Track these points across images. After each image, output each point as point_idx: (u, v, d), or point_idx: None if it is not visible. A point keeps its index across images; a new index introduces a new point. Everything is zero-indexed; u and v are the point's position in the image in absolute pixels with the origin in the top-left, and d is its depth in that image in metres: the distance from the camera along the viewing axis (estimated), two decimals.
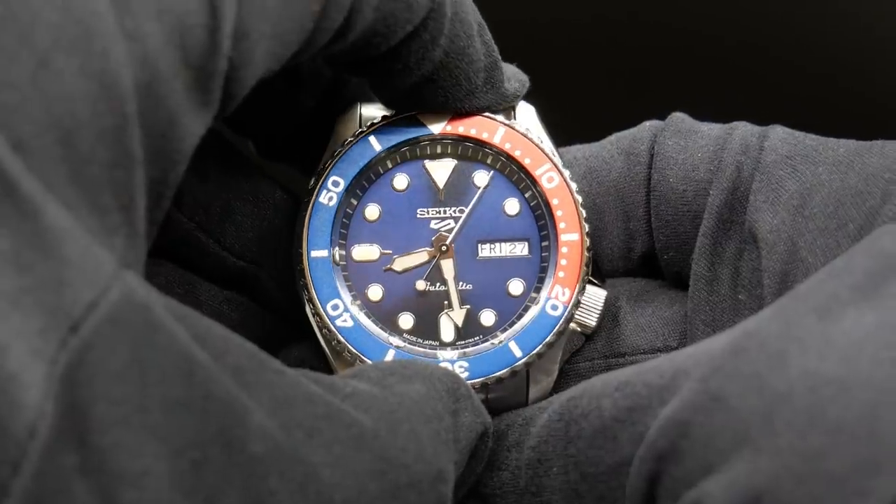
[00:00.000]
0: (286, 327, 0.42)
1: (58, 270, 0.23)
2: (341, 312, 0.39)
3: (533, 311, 0.39)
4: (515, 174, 0.39)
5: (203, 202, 0.38)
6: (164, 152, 0.26)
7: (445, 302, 0.40)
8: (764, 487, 0.26)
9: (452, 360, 0.39)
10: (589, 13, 0.61)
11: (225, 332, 0.27)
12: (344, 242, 0.39)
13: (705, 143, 0.39)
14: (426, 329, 0.40)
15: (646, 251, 0.41)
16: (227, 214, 0.39)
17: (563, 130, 0.41)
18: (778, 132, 0.39)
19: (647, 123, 0.41)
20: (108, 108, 0.24)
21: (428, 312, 0.40)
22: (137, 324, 0.24)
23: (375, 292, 0.39)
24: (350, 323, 0.39)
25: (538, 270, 0.40)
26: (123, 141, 0.24)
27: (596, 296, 0.40)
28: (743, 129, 0.39)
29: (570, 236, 0.39)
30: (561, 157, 0.41)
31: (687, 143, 0.39)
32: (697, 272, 0.39)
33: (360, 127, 0.39)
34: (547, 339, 0.39)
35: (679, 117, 0.41)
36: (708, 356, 0.29)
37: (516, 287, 0.40)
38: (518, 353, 0.39)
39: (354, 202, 0.39)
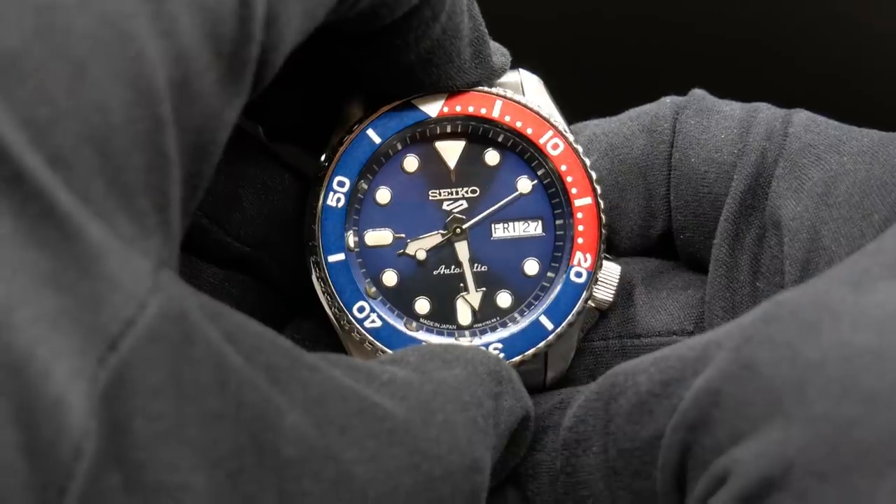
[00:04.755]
0: (287, 303, 0.41)
1: (96, 289, 0.23)
2: (368, 314, 0.38)
3: (557, 284, 0.39)
4: (527, 151, 0.39)
5: (210, 189, 0.38)
6: (198, 146, 0.26)
7: (461, 284, 0.39)
8: (795, 455, 0.25)
9: (486, 345, 0.39)
10: (604, 4, 0.60)
11: (259, 328, 0.27)
12: (356, 228, 0.39)
13: (728, 124, 0.39)
14: (443, 313, 0.39)
15: (665, 230, 0.41)
16: (234, 201, 0.39)
17: (576, 106, 0.41)
18: (801, 117, 0.38)
19: (668, 99, 0.41)
20: (143, 112, 0.24)
21: (444, 296, 0.39)
22: (174, 337, 0.24)
23: (390, 277, 0.39)
24: (378, 323, 0.38)
25: (553, 249, 0.40)
26: (158, 143, 0.24)
27: (611, 270, 0.39)
28: (767, 113, 0.39)
29: (584, 200, 0.39)
30: (579, 133, 0.40)
31: (709, 122, 0.39)
32: (718, 257, 0.38)
33: (365, 107, 0.39)
34: (576, 308, 0.39)
35: (700, 94, 0.41)
36: (740, 328, 0.29)
37: (531, 267, 0.39)
38: (549, 325, 0.39)
39: (365, 186, 0.39)
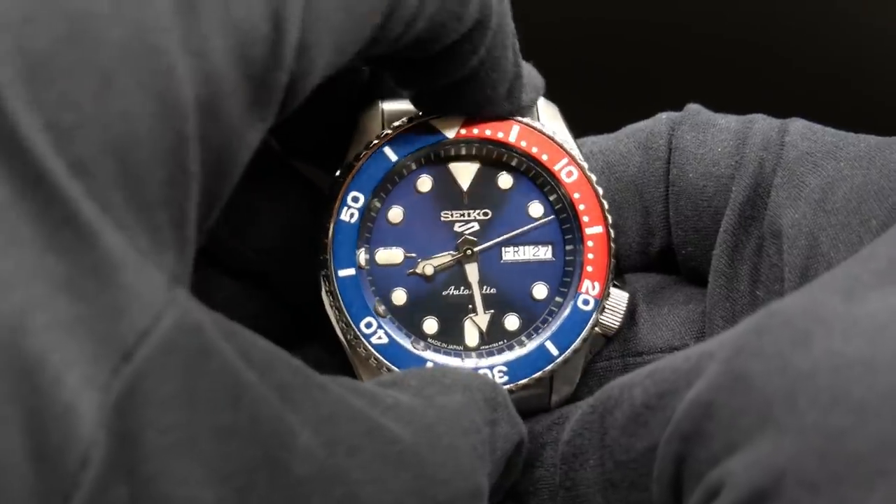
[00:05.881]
0: (295, 320, 0.42)
1: (112, 298, 0.23)
2: (375, 329, 0.39)
3: (565, 310, 0.39)
4: (540, 176, 0.40)
5: (228, 198, 0.39)
6: (219, 166, 0.26)
7: (469, 306, 0.40)
8: (786, 466, 0.25)
9: (492, 367, 0.39)
10: (599, 10, 0.61)
11: (271, 347, 0.27)
12: (368, 246, 0.39)
13: (724, 137, 0.39)
14: (451, 333, 0.40)
15: (663, 246, 0.41)
16: (251, 212, 0.39)
17: (575, 124, 0.41)
18: (798, 126, 0.39)
19: (663, 115, 0.41)
20: (168, 127, 0.24)
21: (452, 317, 0.40)
22: (189, 350, 0.24)
23: (399, 296, 0.39)
24: (385, 340, 0.39)
25: (562, 274, 0.40)
26: (181, 159, 0.24)
27: (618, 298, 0.40)
28: (762, 123, 0.39)
29: (595, 229, 0.39)
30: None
31: (705, 137, 0.39)
32: (718, 268, 0.38)
33: (384, 125, 0.39)
34: (582, 335, 0.39)
35: (695, 109, 0.41)
36: (732, 338, 0.29)
37: (540, 291, 0.40)
38: (555, 352, 0.39)
39: (378, 205, 0.39)
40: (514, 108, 0.38)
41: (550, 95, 0.41)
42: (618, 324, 0.40)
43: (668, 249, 0.41)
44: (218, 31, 0.25)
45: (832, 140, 0.37)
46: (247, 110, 0.26)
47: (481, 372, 0.39)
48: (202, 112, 0.25)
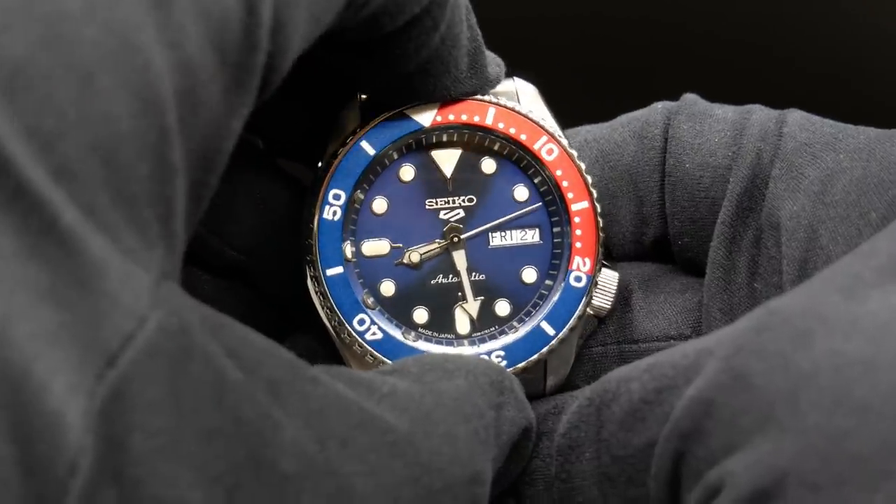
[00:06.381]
0: (279, 315, 0.41)
1: (96, 304, 0.22)
2: (368, 326, 0.38)
3: (557, 289, 0.39)
4: (523, 159, 0.39)
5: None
6: (204, 155, 0.26)
7: (459, 293, 0.39)
8: (788, 467, 0.25)
9: (489, 352, 0.39)
10: (598, 4, 0.60)
11: (262, 341, 0.27)
12: (353, 239, 0.39)
13: (721, 127, 0.39)
14: (441, 322, 0.39)
15: (658, 236, 0.41)
16: (231, 210, 0.39)
17: (569, 115, 0.41)
18: (796, 117, 0.38)
19: (659, 105, 0.41)
20: (150, 123, 0.24)
21: (442, 305, 0.39)
22: (173, 352, 0.24)
23: (388, 287, 0.39)
24: (379, 335, 0.38)
25: (550, 257, 0.39)
26: (164, 153, 0.24)
27: (609, 278, 0.39)
28: (760, 114, 0.39)
29: (581, 205, 0.39)
30: (570, 140, 0.40)
31: (702, 127, 0.39)
32: (715, 260, 0.38)
33: (362, 117, 0.39)
34: (577, 313, 0.39)
35: (692, 99, 0.40)
36: (732, 336, 0.29)
37: (529, 275, 0.39)
38: (551, 331, 0.39)
39: (361, 196, 0.39)
40: (482, 83, 0.38)
41: (548, 88, 0.40)
42: (609, 304, 0.39)
43: (663, 239, 0.41)
44: (191, 20, 0.25)
45: (831, 131, 0.37)
46: (226, 96, 0.26)
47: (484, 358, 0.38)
48: (182, 103, 0.25)
